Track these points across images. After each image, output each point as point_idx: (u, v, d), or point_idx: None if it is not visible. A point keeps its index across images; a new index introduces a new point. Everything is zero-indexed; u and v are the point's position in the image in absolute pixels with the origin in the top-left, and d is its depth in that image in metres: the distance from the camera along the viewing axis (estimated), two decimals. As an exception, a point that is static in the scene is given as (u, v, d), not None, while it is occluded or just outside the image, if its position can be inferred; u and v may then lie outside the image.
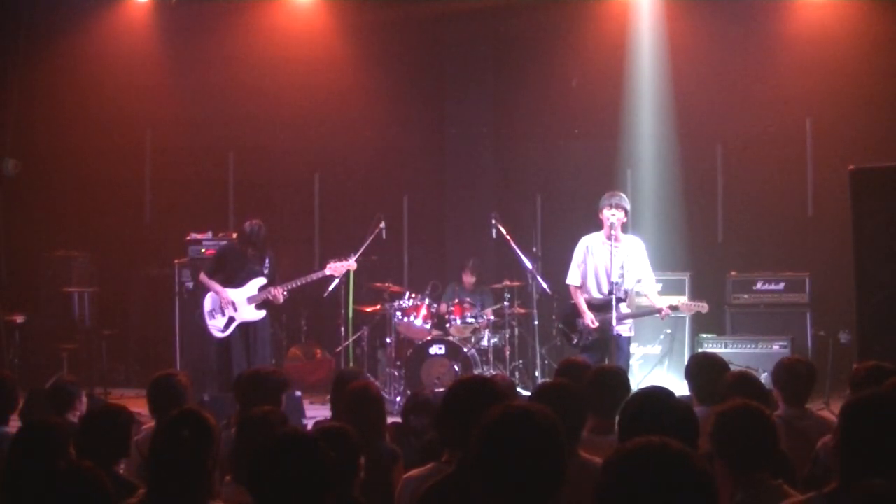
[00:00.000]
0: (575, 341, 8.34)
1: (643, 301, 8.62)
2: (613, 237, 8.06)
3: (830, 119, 10.83)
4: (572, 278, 8.34)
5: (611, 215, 8.05)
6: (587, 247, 8.28)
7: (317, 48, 11.79)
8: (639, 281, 8.22)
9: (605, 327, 8.00)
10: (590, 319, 8.08)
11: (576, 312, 8.28)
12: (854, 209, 7.92)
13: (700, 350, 9.26)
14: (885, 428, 2.96)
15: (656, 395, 3.59)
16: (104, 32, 11.86)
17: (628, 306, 8.19)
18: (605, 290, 8.08)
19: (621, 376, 4.92)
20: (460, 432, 3.35)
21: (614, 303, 7.83)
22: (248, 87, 11.76)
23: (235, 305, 8.60)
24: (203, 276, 8.86)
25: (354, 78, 11.76)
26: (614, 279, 7.91)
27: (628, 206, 8.20)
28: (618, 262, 7.95)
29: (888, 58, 10.61)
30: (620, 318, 7.91)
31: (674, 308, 8.15)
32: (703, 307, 8.29)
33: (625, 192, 11.24)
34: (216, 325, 8.67)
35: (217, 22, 11.75)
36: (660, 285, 9.66)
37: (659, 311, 8.10)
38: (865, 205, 7.87)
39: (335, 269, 8.95)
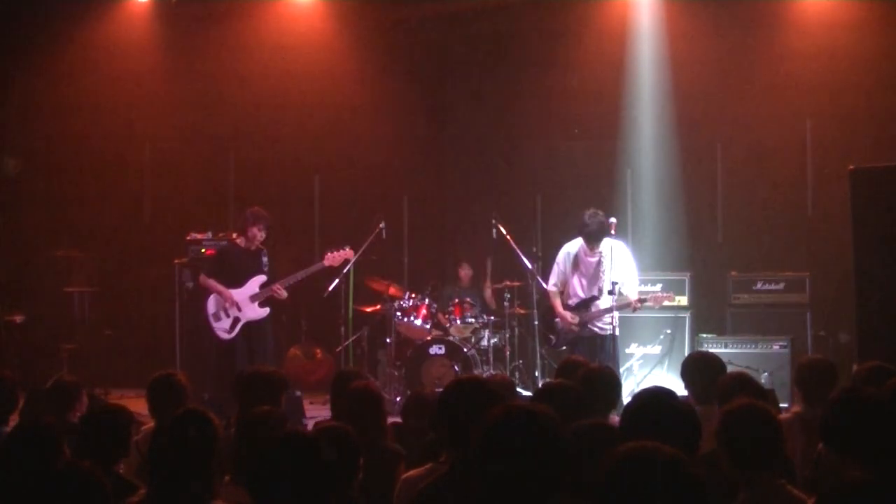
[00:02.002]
0: (553, 342, 8.50)
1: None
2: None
3: (830, 119, 10.81)
4: (552, 283, 8.56)
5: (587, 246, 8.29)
6: (568, 253, 8.51)
7: (317, 48, 11.77)
8: (617, 283, 8.30)
9: (584, 326, 8.29)
10: (570, 317, 8.30)
11: (553, 314, 8.50)
12: (854, 209, 7.92)
13: (699, 350, 9.26)
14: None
15: (658, 396, 3.58)
16: (104, 32, 11.84)
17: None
18: (588, 294, 8.34)
19: (611, 376, 4.92)
20: (456, 433, 3.36)
21: (616, 304, 7.92)
22: (248, 86, 11.75)
23: (239, 305, 8.59)
24: (203, 278, 8.84)
25: (354, 78, 11.75)
26: (607, 288, 8.12)
27: (596, 228, 8.21)
28: (606, 276, 8.19)
29: (888, 58, 10.59)
30: (596, 315, 8.18)
31: (642, 301, 8.28)
32: (671, 297, 8.60)
33: (625, 192, 11.39)
34: (222, 327, 8.65)
35: (217, 21, 11.73)
36: (659, 285, 9.68)
37: (629, 304, 8.24)
38: (865, 205, 7.86)
39: (333, 258, 8.92)
